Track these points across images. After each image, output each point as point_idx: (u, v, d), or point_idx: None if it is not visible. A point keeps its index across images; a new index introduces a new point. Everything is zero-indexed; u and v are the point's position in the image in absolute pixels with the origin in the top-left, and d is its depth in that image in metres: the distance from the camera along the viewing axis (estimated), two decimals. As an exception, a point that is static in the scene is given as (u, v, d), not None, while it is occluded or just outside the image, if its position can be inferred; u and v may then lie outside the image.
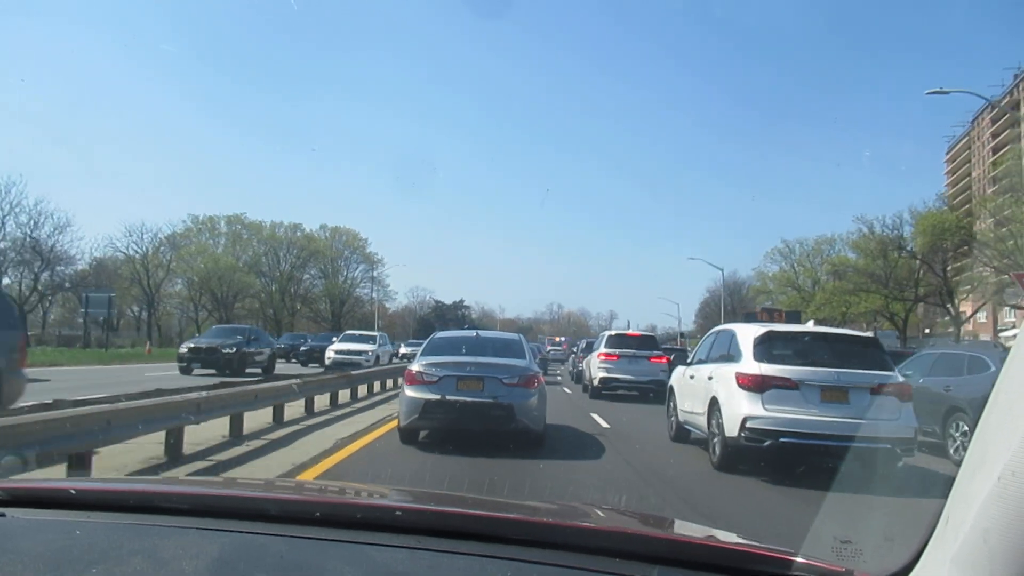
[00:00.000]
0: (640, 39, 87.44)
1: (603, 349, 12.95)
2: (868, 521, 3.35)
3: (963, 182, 58.82)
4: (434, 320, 73.99)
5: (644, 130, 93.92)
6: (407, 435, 6.14)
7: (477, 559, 0.77)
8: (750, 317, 29.85)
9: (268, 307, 50.80)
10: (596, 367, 12.79)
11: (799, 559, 0.80)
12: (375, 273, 56.15)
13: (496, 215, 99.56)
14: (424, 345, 6.94)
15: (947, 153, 63.37)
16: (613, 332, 14.78)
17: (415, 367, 6.18)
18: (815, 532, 3.00)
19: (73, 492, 0.93)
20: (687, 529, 1.11)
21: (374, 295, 55.94)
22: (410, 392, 6.05)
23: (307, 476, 4.89)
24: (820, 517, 3.38)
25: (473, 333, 7.65)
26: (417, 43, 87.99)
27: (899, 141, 68.89)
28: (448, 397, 5.87)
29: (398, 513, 0.91)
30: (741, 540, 0.91)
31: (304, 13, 72.78)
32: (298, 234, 53.76)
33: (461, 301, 78.40)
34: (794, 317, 27.69)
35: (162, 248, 44.41)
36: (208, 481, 2.10)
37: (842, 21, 72.50)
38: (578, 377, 17.22)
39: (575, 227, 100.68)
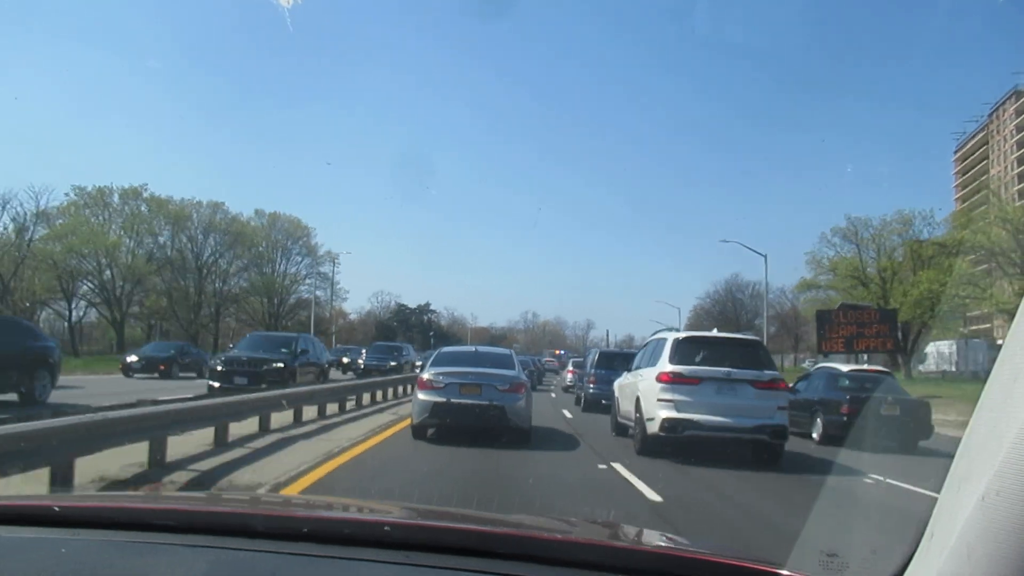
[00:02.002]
0: (627, 48, 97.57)
1: (666, 366, 7.58)
2: (854, 534, 3.60)
3: (980, 180, 62.00)
4: (396, 325, 73.56)
5: (626, 138, 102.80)
6: (419, 431, 8.41)
7: (465, 574, 0.89)
8: (823, 316, 24.12)
9: (183, 307, 47.60)
10: (653, 399, 7.58)
11: (785, 572, 0.93)
12: (323, 269, 54.05)
13: (472, 221, 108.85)
14: (432, 357, 9.70)
15: (956, 152, 66.46)
16: (683, 335, 8.73)
17: (426, 375, 8.55)
18: (801, 545, 3.29)
19: (57, 509, 1.01)
20: (675, 543, 1.27)
21: (317, 293, 53.78)
22: (422, 396, 8.37)
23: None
24: (806, 530, 3.68)
25: (472, 349, 10.80)
26: (414, 48, 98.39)
27: (894, 144, 74.52)
28: (453, 400, 8.15)
29: (387, 528, 1.03)
30: (728, 554, 1.05)
31: (297, 16, 77.45)
32: (219, 216, 50.29)
33: (427, 305, 78.76)
34: (889, 317, 23.58)
35: (29, 227, 39.43)
36: (196, 497, 2.17)
37: (839, 21, 78.36)
38: (589, 404, 14.29)
39: (552, 235, 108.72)
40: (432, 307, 79.58)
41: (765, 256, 30.24)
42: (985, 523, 0.62)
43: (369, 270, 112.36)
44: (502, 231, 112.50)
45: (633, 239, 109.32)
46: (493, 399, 8.17)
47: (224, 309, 51.93)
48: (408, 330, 74.46)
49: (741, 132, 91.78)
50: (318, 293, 54.18)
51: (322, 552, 0.92)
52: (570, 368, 24.43)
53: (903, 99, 77.37)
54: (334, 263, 54.31)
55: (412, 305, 77.21)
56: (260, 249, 52.80)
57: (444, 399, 8.12)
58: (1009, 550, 0.60)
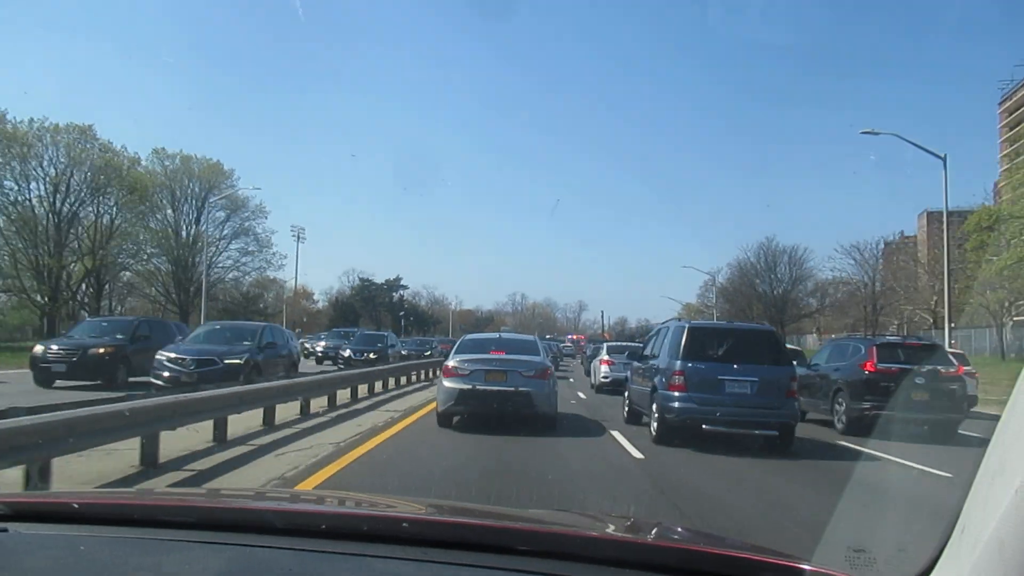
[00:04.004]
0: (635, 27, 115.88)
1: None
2: (882, 528, 3.95)
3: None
4: (359, 305, 72.45)
5: (628, 111, 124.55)
6: (444, 419, 10.06)
7: (484, 570, 1.05)
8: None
9: (28, 276, 40.34)
10: None
11: (809, 568, 1.09)
12: (259, 231, 49.90)
13: (458, 200, 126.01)
14: (457, 344, 11.48)
15: (1001, 102, 67.25)
16: None
17: (451, 363, 10.16)
18: (827, 540, 3.69)
19: (76, 506, 1.18)
20: (696, 538, 1.49)
21: (244, 260, 50.00)
22: (447, 383, 9.99)
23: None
24: (832, 524, 4.09)
25: (496, 335, 12.55)
26: (416, 30, 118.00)
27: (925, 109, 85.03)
28: (478, 387, 9.70)
29: (404, 524, 1.21)
30: (751, 548, 1.23)
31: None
32: (88, 146, 42.17)
33: (397, 280, 78.06)
34: None
35: None
36: (212, 493, 2.38)
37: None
38: (669, 428, 9.20)
39: (545, 214, 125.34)
40: (404, 282, 78.83)
41: (944, 157, 23.22)
42: (1019, 517, 0.70)
43: (343, 250, 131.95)
44: (491, 210, 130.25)
45: (631, 217, 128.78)
46: (519, 385, 9.72)
47: (110, 281, 46.32)
48: (374, 309, 73.69)
49: (757, 109, 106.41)
50: (245, 260, 50.88)
51: (340, 549, 1.10)
52: (605, 357, 19.21)
53: (935, 64, 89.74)
54: (299, 238, 52.13)
55: (380, 280, 76.31)
56: (157, 197, 46.72)
57: (470, 386, 9.71)
58: None
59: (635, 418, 11.15)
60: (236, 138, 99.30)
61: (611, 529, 1.45)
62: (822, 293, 56.22)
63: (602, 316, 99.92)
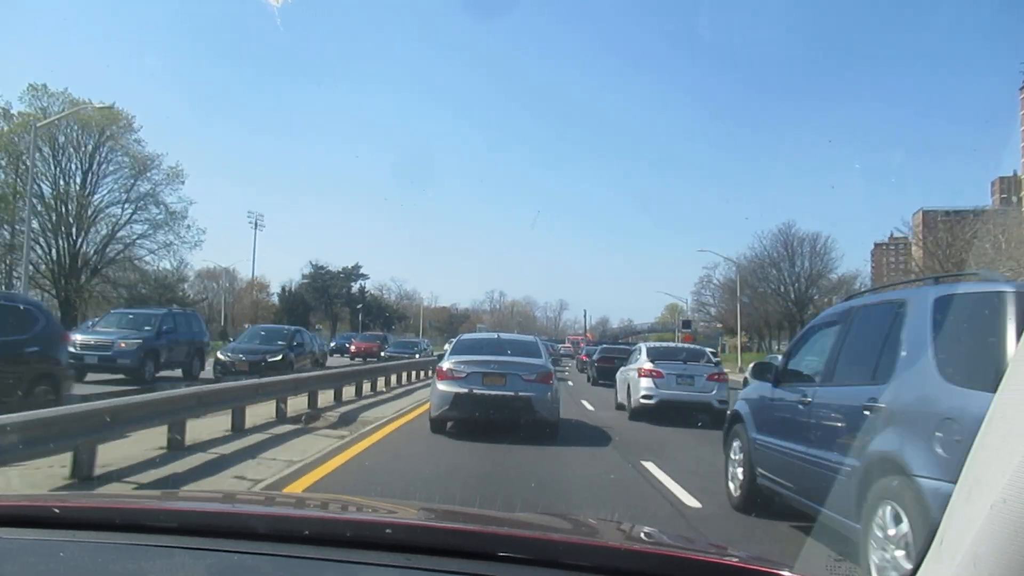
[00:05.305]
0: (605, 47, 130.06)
1: None
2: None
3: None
4: (311, 297, 70.84)
5: (594, 116, 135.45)
6: (437, 425, 10.89)
7: None
8: None
9: None
10: None
11: (790, 575, 1.25)
12: (170, 200, 44.82)
13: (433, 195, 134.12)
14: (452, 345, 12.39)
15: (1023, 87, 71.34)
16: None
17: (446, 365, 10.92)
18: (809, 548, 4.08)
19: (56, 511, 1.32)
20: (679, 544, 1.69)
21: (147, 232, 45.62)
22: (441, 386, 10.70)
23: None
24: (815, 533, 4.47)
25: (495, 335, 13.53)
26: (379, 21, 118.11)
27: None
28: (475, 391, 10.39)
29: (388, 530, 1.38)
30: (732, 555, 1.42)
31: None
32: None
33: (355, 268, 76.87)
34: None
35: None
36: (196, 496, 2.54)
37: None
38: None
39: (521, 213, 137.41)
40: (364, 271, 77.17)
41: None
42: (993, 531, 0.80)
43: (312, 243, 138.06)
44: (470, 205, 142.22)
45: (618, 217, 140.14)
46: (519, 390, 10.43)
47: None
48: (329, 301, 72.66)
49: (758, 104, 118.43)
50: (151, 233, 45.90)
51: (322, 555, 1.26)
52: (647, 366, 14.92)
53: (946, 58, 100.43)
54: (256, 224, 49.93)
55: (336, 268, 74.76)
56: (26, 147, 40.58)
57: (466, 390, 10.45)
58: (1014, 559, 0.77)
59: (751, 500, 6.60)
60: (221, 134, 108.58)
61: (596, 534, 1.65)
62: (847, 288, 56.31)
63: (584, 316, 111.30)
